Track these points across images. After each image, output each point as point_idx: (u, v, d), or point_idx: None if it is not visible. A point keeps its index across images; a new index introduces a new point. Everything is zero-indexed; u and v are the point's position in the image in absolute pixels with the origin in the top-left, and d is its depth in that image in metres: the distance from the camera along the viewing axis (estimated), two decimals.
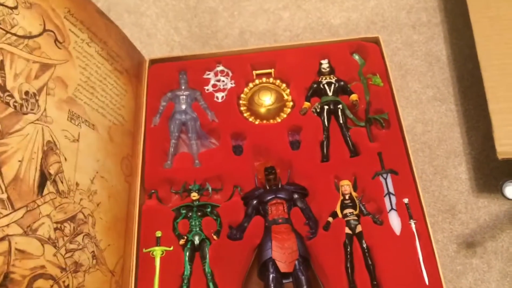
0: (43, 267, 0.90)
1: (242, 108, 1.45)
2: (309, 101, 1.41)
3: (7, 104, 0.89)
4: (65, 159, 1.03)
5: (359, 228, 1.20)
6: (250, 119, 1.42)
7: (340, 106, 1.39)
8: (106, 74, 1.25)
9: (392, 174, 1.27)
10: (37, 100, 0.97)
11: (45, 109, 1.00)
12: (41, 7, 1.03)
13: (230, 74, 1.49)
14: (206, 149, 1.40)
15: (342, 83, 1.43)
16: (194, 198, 1.30)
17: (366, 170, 1.29)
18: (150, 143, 1.37)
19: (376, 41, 1.50)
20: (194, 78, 1.48)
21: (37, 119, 0.97)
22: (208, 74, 1.49)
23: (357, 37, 1.52)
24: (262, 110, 1.44)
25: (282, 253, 1.14)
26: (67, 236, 0.99)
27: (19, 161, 0.89)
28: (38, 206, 0.93)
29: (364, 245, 1.18)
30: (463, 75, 1.60)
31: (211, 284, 1.18)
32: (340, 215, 1.22)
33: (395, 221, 1.21)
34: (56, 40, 1.07)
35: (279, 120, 1.41)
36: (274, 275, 1.14)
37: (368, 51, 1.47)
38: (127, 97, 1.35)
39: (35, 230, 0.90)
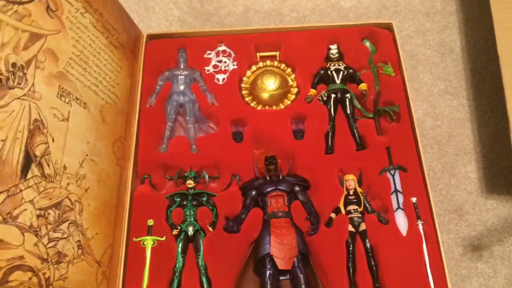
0: (21, 257, 0.84)
1: (243, 92, 1.42)
2: (315, 88, 1.38)
3: None
4: (53, 139, 0.96)
5: (363, 226, 1.18)
6: (252, 104, 1.39)
7: (348, 95, 1.35)
8: (101, 48, 1.19)
9: (400, 170, 1.24)
10: (25, 74, 0.90)
11: (33, 84, 0.92)
12: None
13: (233, 55, 1.45)
14: (204, 134, 1.36)
15: (351, 70, 1.39)
16: (189, 186, 1.25)
17: (373, 165, 1.26)
18: (145, 124, 1.33)
19: (389, 28, 1.45)
20: (194, 57, 1.44)
21: (24, 95, 0.89)
22: (209, 54, 1.45)
23: (369, 22, 1.47)
24: (265, 95, 1.41)
25: (280, 249, 1.11)
26: (50, 224, 0.93)
27: (2, 140, 0.83)
28: (21, 190, 0.86)
29: (368, 245, 1.16)
30: (477, 69, 1.57)
31: (204, 278, 1.14)
32: (343, 212, 1.20)
33: (401, 221, 1.18)
34: (48, 7, 0.99)
35: (282, 106, 1.38)
36: (271, 271, 1.10)
37: (380, 37, 1.43)
38: (122, 74, 1.30)
39: (15, 217, 0.84)
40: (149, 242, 1.17)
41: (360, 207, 1.19)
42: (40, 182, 0.91)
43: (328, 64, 1.40)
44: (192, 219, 1.21)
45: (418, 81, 1.56)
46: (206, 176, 1.28)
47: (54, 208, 0.94)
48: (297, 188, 1.24)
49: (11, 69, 0.87)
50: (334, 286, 1.11)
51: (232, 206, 1.23)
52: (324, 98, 1.37)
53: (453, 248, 1.33)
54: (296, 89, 1.41)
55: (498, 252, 1.31)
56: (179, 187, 1.28)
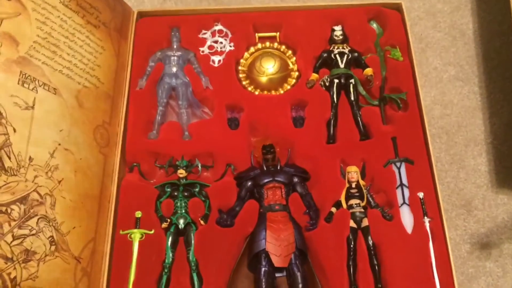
0: None
1: (241, 75, 1.37)
2: (317, 72, 1.34)
3: None
4: (14, 130, 0.91)
5: (365, 222, 1.14)
6: (249, 89, 1.35)
7: (352, 80, 1.32)
8: (75, 28, 1.13)
9: (406, 163, 1.20)
10: None
11: None
12: None
13: (230, 35, 1.41)
14: (197, 119, 1.33)
15: (356, 54, 1.35)
16: (181, 176, 1.21)
17: (377, 156, 1.22)
18: (134, 109, 1.29)
19: (397, 8, 1.39)
20: (188, 37, 1.40)
21: None
22: (205, 34, 1.41)
23: (376, 2, 1.41)
24: (264, 79, 1.37)
25: (277, 245, 1.08)
26: (14, 221, 0.88)
27: None
28: None
29: (370, 242, 1.12)
30: (490, 54, 1.52)
31: (194, 275, 1.10)
32: (344, 206, 1.17)
33: (407, 217, 1.14)
34: None
35: (282, 91, 1.34)
36: (266, 268, 1.07)
37: (388, 19, 1.39)
38: (105, 55, 1.24)
39: None
40: (136, 235, 1.12)
41: (362, 201, 1.16)
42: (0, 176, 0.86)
43: (332, 47, 1.36)
44: (183, 211, 1.16)
45: (427, 66, 1.51)
46: (199, 165, 1.24)
47: (18, 203, 0.89)
48: (295, 180, 1.20)
49: None
50: (333, 286, 1.08)
51: (226, 198, 1.19)
52: (327, 84, 1.33)
53: (460, 245, 1.29)
54: (296, 73, 1.37)
55: (508, 251, 1.27)
56: (170, 176, 1.24)
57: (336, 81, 1.31)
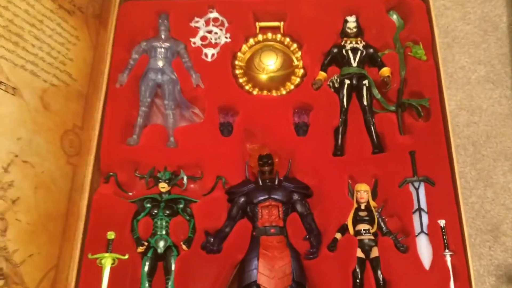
0: None
1: (237, 72, 1.31)
2: (325, 71, 1.28)
3: None
4: None
5: (375, 252, 1.07)
6: (247, 87, 1.29)
7: (365, 82, 1.25)
8: (44, 14, 1.05)
9: (426, 183, 1.13)
10: None
11: None
12: None
13: (226, 24, 1.35)
14: (186, 123, 1.27)
15: (371, 50, 1.28)
16: (162, 190, 1.14)
17: (392, 173, 1.15)
18: (112, 109, 1.23)
19: None
20: (178, 25, 1.33)
21: None
22: (197, 22, 1.35)
23: None
24: (263, 77, 1.32)
25: (270, 278, 1.01)
26: None
27: None
28: None
29: (380, 276, 1.05)
30: None
31: None
32: (351, 231, 1.10)
33: (424, 249, 1.06)
34: None
35: (284, 92, 1.29)
36: None
37: (410, 9, 1.30)
38: (80, 46, 1.17)
39: None
40: (107, 260, 1.04)
41: (372, 226, 1.09)
42: None
43: (344, 41, 1.29)
44: (164, 232, 1.10)
45: (452, 64, 1.44)
46: (185, 178, 1.16)
47: None
48: (295, 197, 1.14)
49: None
50: None
51: (215, 216, 1.12)
52: (336, 84, 1.27)
53: (484, 277, 1.22)
54: (301, 71, 1.31)
55: None
56: (150, 189, 1.16)
57: (347, 82, 1.24)
